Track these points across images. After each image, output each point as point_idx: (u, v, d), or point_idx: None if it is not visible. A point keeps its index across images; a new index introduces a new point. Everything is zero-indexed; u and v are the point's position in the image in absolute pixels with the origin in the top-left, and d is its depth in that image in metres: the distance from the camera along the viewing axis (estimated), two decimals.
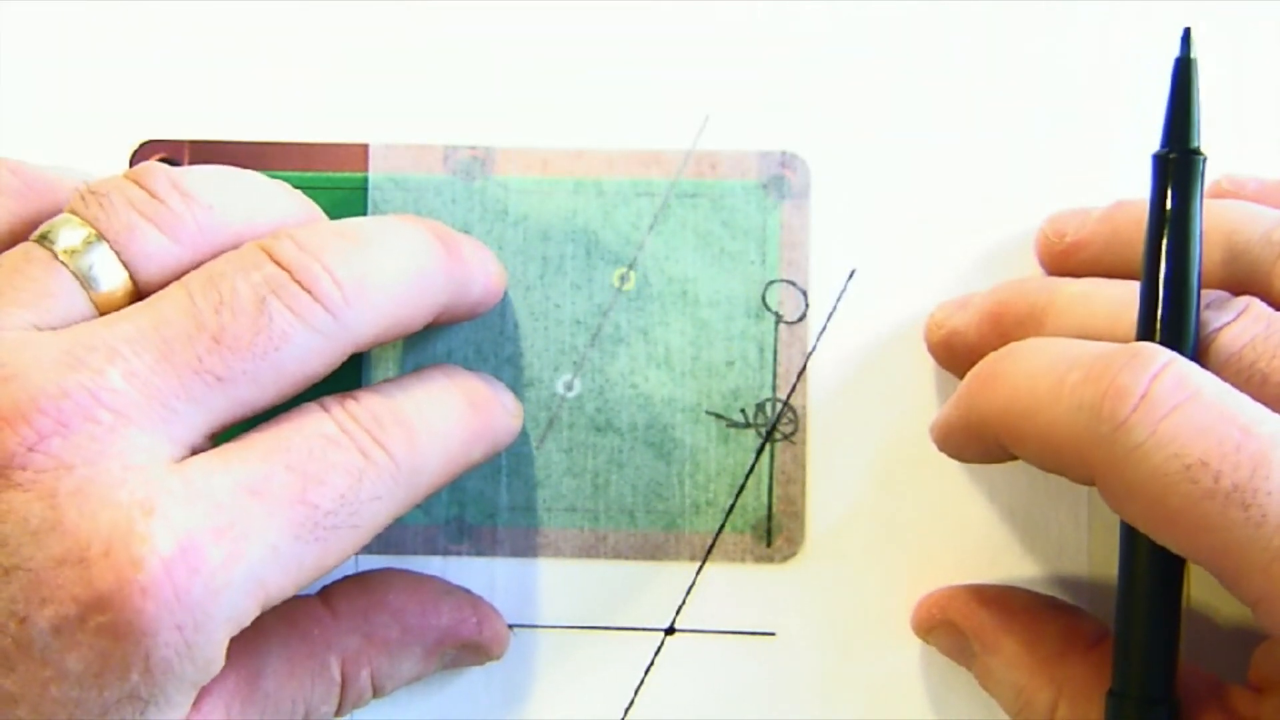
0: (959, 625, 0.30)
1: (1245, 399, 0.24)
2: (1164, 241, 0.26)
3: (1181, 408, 0.23)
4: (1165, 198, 0.26)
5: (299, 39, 0.32)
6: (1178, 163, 0.26)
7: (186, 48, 0.32)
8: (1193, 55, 0.26)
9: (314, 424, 0.25)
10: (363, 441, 0.25)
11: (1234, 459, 0.23)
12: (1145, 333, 0.26)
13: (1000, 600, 0.30)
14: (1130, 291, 0.27)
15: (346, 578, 0.30)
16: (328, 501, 0.25)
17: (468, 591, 0.31)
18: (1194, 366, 0.24)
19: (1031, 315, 0.28)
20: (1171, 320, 0.25)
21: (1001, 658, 0.29)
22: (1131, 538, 0.25)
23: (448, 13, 0.32)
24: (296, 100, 0.32)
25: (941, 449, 0.29)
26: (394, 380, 0.28)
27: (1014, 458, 0.27)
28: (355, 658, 0.28)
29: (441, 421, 0.27)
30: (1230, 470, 0.23)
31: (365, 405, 0.26)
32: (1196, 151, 0.26)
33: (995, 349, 0.27)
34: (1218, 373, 0.24)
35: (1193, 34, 0.26)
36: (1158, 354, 0.24)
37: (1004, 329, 0.29)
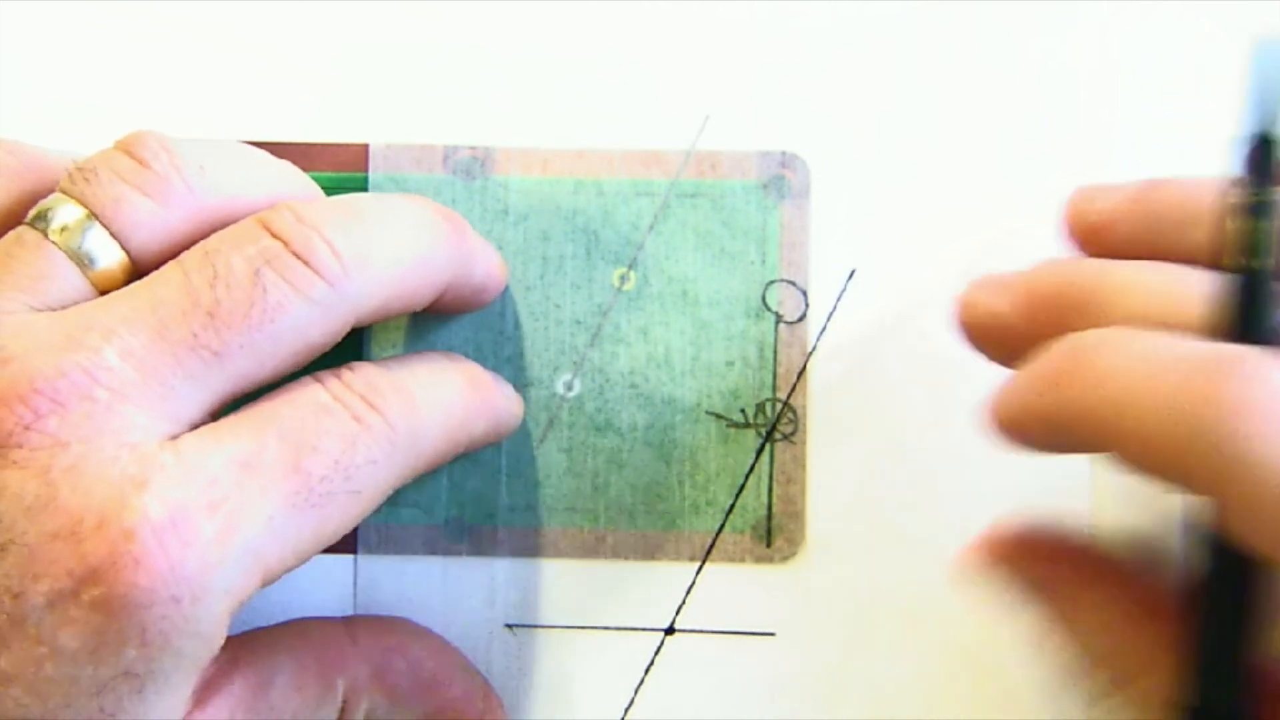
0: (1045, 569, 0.27)
1: None
2: (1251, 236, 0.24)
3: None
4: (1252, 184, 0.24)
5: (299, 39, 0.32)
6: (1264, 147, 0.24)
7: (186, 48, 0.32)
8: None
9: (307, 394, 0.25)
10: (356, 407, 0.25)
11: None
12: (1228, 330, 0.24)
13: (1091, 551, 0.27)
14: (1178, 277, 0.25)
15: (376, 616, 0.30)
16: (321, 468, 0.24)
17: (486, 681, 0.31)
18: None
19: (1085, 300, 0.26)
20: (1252, 319, 0.24)
21: (1090, 612, 0.26)
22: (1222, 553, 0.24)
23: (448, 13, 0.32)
24: (296, 100, 0.32)
25: (1009, 438, 0.26)
26: (393, 357, 0.28)
27: (1082, 450, 0.25)
28: (360, 688, 0.28)
29: (441, 391, 0.27)
30: None
31: (361, 374, 0.26)
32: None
33: (1047, 336, 0.25)
34: None
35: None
36: (1258, 357, 0.22)
37: (1057, 315, 0.27)
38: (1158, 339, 0.24)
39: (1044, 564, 0.27)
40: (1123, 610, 0.26)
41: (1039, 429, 0.25)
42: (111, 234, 0.25)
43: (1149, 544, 0.29)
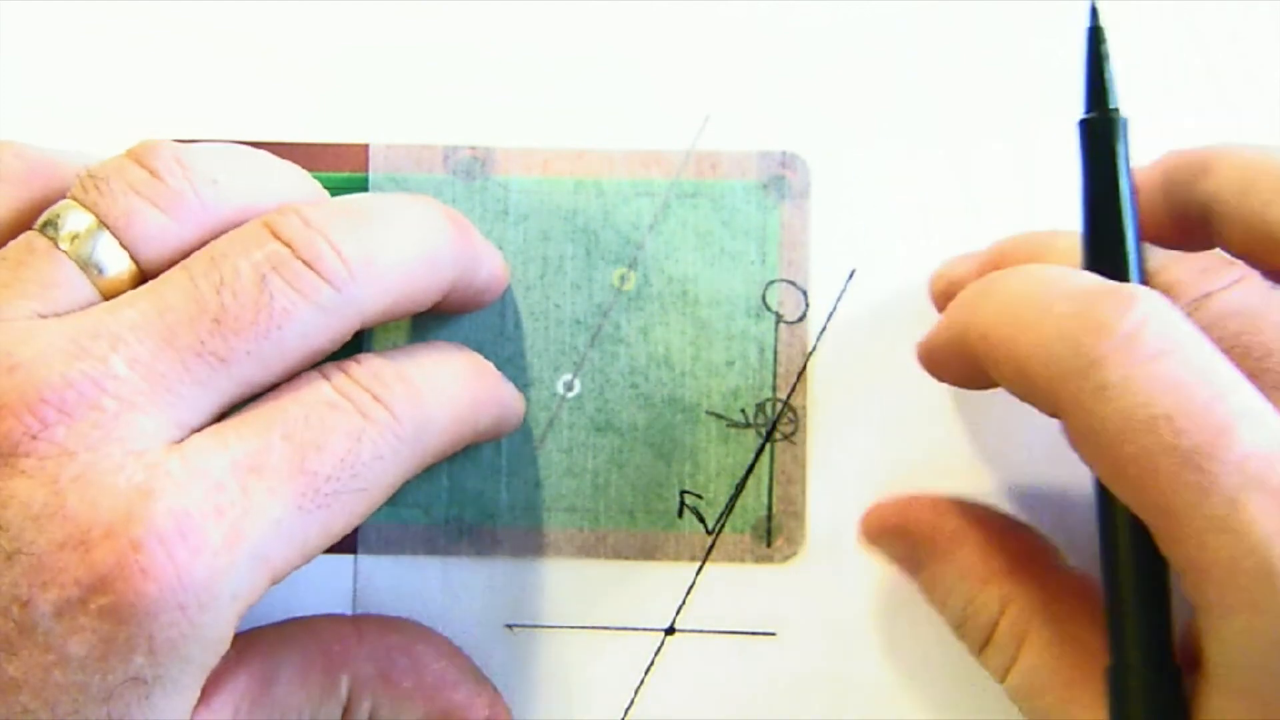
0: (912, 531, 0.29)
1: (1224, 364, 0.23)
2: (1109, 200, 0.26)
3: (1160, 357, 0.23)
4: (1097, 160, 0.26)
5: (299, 39, 0.32)
6: (1099, 123, 0.27)
7: (186, 48, 0.32)
8: (1101, 24, 0.27)
9: (311, 391, 0.25)
10: (362, 401, 0.25)
11: (1201, 420, 0.22)
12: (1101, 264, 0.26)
13: (958, 509, 0.29)
14: None
15: (384, 615, 0.30)
16: (327, 467, 0.24)
17: (495, 689, 0.30)
18: (1182, 319, 0.23)
19: (1032, 259, 0.28)
20: (1109, 270, 0.25)
21: (954, 566, 0.28)
22: (1110, 505, 0.25)
23: (448, 13, 0.32)
24: (296, 100, 0.32)
25: (924, 366, 0.29)
26: (398, 347, 0.28)
27: (991, 384, 0.26)
28: (364, 685, 0.28)
29: (448, 380, 0.27)
30: (1195, 431, 0.22)
31: (367, 366, 0.26)
32: (1116, 111, 0.27)
33: None
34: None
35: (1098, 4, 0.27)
36: (1147, 297, 0.23)
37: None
38: (1066, 273, 0.25)
39: (907, 537, 0.30)
40: (969, 575, 0.28)
41: (944, 353, 0.28)
42: (123, 245, 0.25)
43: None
